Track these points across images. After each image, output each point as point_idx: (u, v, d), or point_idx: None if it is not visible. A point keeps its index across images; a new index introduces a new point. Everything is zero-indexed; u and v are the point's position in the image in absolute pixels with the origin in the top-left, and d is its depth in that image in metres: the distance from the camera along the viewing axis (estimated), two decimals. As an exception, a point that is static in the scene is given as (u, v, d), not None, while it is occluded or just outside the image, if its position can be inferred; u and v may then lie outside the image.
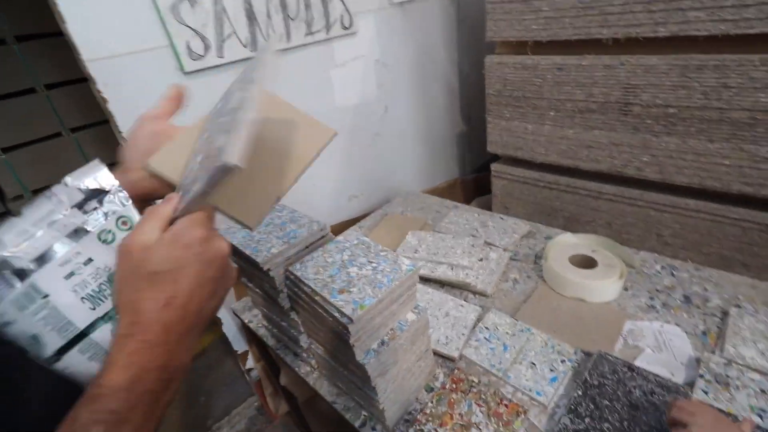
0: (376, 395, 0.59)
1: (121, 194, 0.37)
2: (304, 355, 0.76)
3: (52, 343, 0.34)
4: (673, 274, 0.83)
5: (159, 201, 0.36)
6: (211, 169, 0.31)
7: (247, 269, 0.71)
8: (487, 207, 1.41)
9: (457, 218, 1.12)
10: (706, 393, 0.57)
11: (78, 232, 0.34)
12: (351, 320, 0.52)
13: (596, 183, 1.12)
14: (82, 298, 0.35)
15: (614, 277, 0.79)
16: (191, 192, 0.34)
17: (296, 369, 0.78)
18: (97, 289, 0.35)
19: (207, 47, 0.92)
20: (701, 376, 0.59)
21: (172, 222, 0.34)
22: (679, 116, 0.91)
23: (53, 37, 1.58)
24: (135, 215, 0.37)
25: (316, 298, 0.57)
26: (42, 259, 0.33)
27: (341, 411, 0.69)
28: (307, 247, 0.75)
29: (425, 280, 0.91)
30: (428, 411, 0.64)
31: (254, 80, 0.36)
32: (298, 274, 0.60)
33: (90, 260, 0.35)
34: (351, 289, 0.57)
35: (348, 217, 1.37)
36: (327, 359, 0.67)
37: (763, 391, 0.57)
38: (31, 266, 0.33)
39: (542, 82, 1.10)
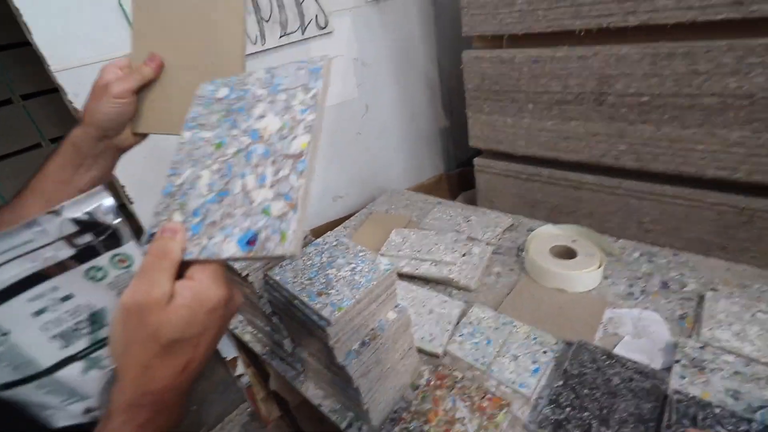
0: (359, 396, 0.59)
1: (124, 228, 0.33)
2: (290, 359, 0.76)
3: (0, 377, 0.31)
4: (651, 261, 0.84)
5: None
6: (260, 253, 0.31)
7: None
8: (473, 201, 1.42)
9: (441, 214, 1.12)
10: (683, 378, 0.58)
11: (59, 266, 0.31)
12: (329, 322, 0.52)
13: (577, 173, 1.13)
14: (54, 335, 0.32)
15: (594, 266, 0.80)
16: (207, 243, 0.32)
17: (283, 374, 0.78)
18: (73, 327, 0.32)
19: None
20: (677, 361, 0.60)
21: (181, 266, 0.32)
22: (652, 104, 0.92)
23: (26, 46, 1.56)
24: (137, 253, 0.33)
25: (295, 302, 0.57)
26: (6, 293, 0.29)
27: (328, 413, 0.69)
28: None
29: (409, 277, 0.91)
30: (413, 409, 0.64)
31: (311, 124, 0.35)
32: (277, 278, 0.60)
33: (69, 297, 0.32)
34: (329, 291, 0.57)
35: (334, 218, 1.37)
36: (311, 362, 0.68)
37: (737, 372, 0.58)
38: None
39: (519, 76, 1.10)
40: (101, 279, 0.32)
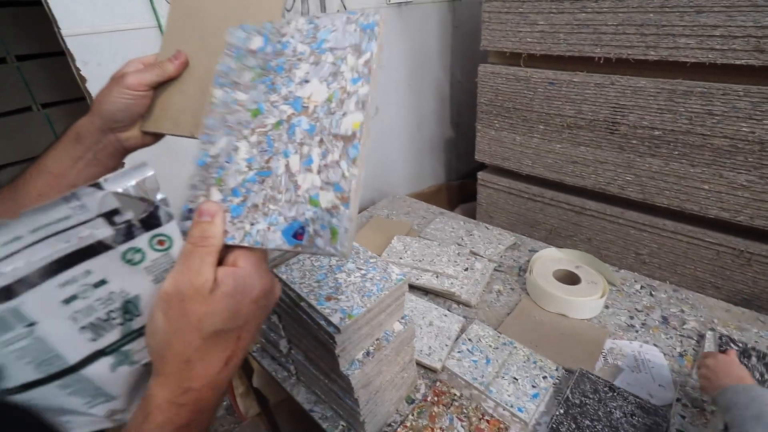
0: (357, 406, 0.57)
1: (164, 206, 0.29)
2: (283, 360, 0.73)
3: (20, 376, 0.27)
4: (652, 294, 0.85)
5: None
6: (308, 250, 0.29)
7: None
8: (471, 214, 1.41)
9: (443, 225, 1.11)
10: (683, 417, 0.58)
11: (95, 247, 0.27)
12: (338, 330, 0.50)
13: (579, 198, 1.14)
14: (82, 327, 0.28)
15: (596, 295, 0.80)
16: (250, 230, 0.31)
17: (273, 373, 0.75)
18: (104, 318, 0.28)
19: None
20: (678, 400, 0.60)
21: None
22: (663, 139, 0.94)
23: (28, 5, 1.49)
24: (177, 235, 0.29)
25: (302, 303, 0.55)
26: (34, 278, 0.25)
27: (318, 420, 0.66)
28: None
29: (410, 287, 0.89)
30: (409, 424, 0.62)
31: (364, 99, 0.31)
32: (284, 277, 0.58)
33: (102, 282, 0.28)
34: (339, 297, 0.55)
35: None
36: (308, 366, 0.65)
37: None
38: (18, 285, 0.25)
39: (533, 95, 1.11)
40: (138, 262, 0.28)
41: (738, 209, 0.89)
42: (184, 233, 0.29)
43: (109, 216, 0.26)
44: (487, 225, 1.13)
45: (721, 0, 0.79)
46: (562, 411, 0.59)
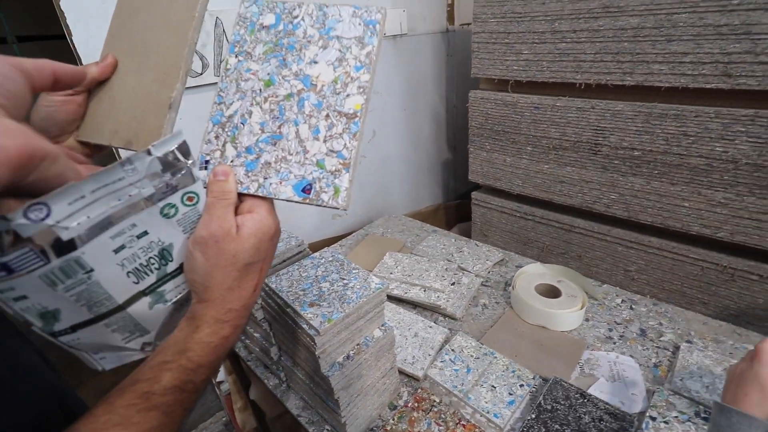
0: (338, 408, 0.61)
1: (193, 168, 0.34)
2: (274, 367, 0.78)
3: (72, 317, 0.32)
4: (632, 308, 0.87)
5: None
6: (315, 202, 0.36)
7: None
8: (468, 233, 1.46)
9: (435, 242, 1.16)
10: (652, 419, 0.60)
11: (140, 204, 0.32)
12: (318, 332, 0.55)
13: (569, 217, 1.18)
14: (128, 272, 0.33)
15: (576, 307, 0.83)
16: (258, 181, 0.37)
17: (265, 381, 0.79)
18: (145, 263, 0.34)
19: (205, 66, 0.97)
20: (653, 407, 0.62)
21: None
22: (643, 159, 0.98)
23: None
24: (202, 192, 0.35)
25: (288, 310, 0.60)
26: (93, 231, 0.30)
27: (306, 424, 0.70)
28: (284, 260, 0.78)
29: (398, 300, 0.94)
30: (389, 428, 0.65)
31: (365, 86, 0.37)
32: (273, 286, 0.63)
33: (145, 233, 0.33)
34: (321, 303, 0.59)
35: (331, 235, 1.40)
36: (295, 371, 0.69)
37: (705, 420, 0.60)
38: (80, 238, 0.29)
39: (521, 119, 1.17)
40: (173, 216, 0.34)
41: (718, 225, 0.92)
42: (203, 181, 0.36)
43: (153, 177, 0.32)
44: (477, 242, 1.17)
45: (689, 29, 0.85)
46: (533, 416, 0.62)
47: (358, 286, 0.62)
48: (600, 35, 0.96)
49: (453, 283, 0.94)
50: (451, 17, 1.51)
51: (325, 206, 0.36)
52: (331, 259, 0.69)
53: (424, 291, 0.92)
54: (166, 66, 0.37)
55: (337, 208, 0.36)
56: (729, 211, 0.90)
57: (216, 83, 0.99)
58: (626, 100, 0.97)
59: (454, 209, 1.74)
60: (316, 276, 0.65)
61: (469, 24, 1.24)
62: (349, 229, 1.42)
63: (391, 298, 0.94)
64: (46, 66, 0.34)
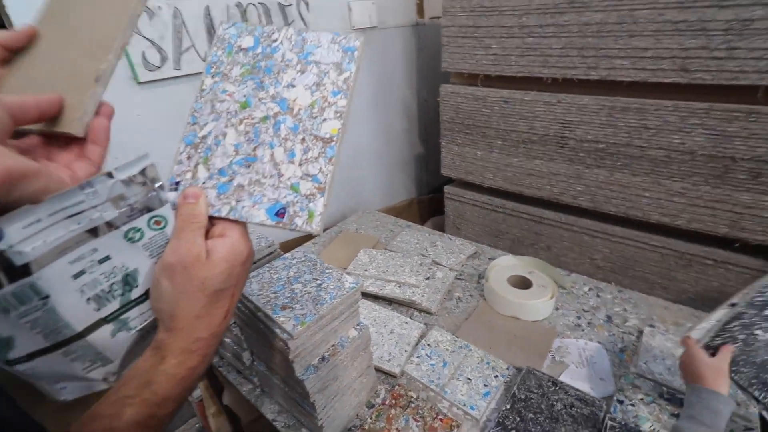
0: (314, 411, 0.60)
1: (161, 192, 0.33)
2: (247, 372, 0.76)
3: (27, 345, 0.30)
4: (598, 296, 0.91)
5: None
6: (288, 226, 0.35)
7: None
8: (441, 227, 1.47)
9: (409, 237, 1.16)
10: (620, 402, 0.63)
11: (102, 228, 0.31)
12: (291, 336, 0.54)
13: (538, 208, 1.21)
14: (88, 299, 0.31)
15: (546, 297, 0.85)
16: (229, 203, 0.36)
17: (239, 387, 0.77)
18: (107, 289, 0.32)
19: (164, 59, 0.92)
20: (620, 390, 0.65)
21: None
22: (607, 151, 1.01)
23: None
24: (171, 215, 0.34)
25: (259, 314, 0.58)
26: (50, 255, 0.29)
27: (282, 429, 0.69)
28: (254, 262, 0.76)
29: (374, 297, 0.93)
30: (367, 427, 0.65)
31: (342, 111, 0.37)
32: (243, 290, 0.61)
33: (107, 258, 0.32)
34: (294, 306, 0.58)
35: (303, 233, 1.38)
36: (269, 375, 0.68)
37: (668, 401, 0.64)
38: (36, 263, 0.28)
39: (490, 113, 1.18)
40: (138, 240, 0.33)
41: (676, 214, 0.97)
42: (172, 203, 0.34)
43: (116, 200, 0.31)
44: (450, 236, 1.18)
45: (650, 25, 0.87)
46: (508, 406, 0.63)
47: (332, 287, 0.61)
48: (566, 30, 0.98)
49: (428, 278, 0.94)
50: (420, 10, 1.50)
51: (298, 230, 0.35)
52: (303, 259, 0.67)
53: (399, 287, 0.92)
54: (99, 39, 0.35)
55: (311, 234, 0.36)
56: (686, 200, 0.94)
57: (175, 77, 0.95)
58: (591, 94, 1.00)
59: (427, 203, 1.75)
60: (288, 277, 0.64)
61: (438, 17, 1.23)
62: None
63: (367, 296, 0.93)
64: None
